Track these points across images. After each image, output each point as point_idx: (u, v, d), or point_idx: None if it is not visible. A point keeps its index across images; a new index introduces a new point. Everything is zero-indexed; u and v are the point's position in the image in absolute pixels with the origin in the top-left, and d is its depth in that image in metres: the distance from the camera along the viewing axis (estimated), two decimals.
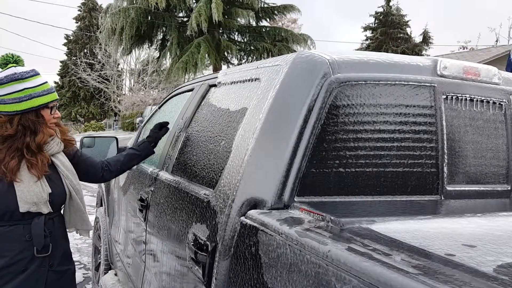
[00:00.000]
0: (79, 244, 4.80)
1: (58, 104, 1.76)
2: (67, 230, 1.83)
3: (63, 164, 1.74)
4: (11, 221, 1.60)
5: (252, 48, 16.04)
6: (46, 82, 1.70)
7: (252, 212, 1.15)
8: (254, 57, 16.00)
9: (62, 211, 1.80)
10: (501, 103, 1.49)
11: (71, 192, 1.74)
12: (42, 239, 1.63)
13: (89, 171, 1.91)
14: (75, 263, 1.96)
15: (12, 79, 1.62)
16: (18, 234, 1.61)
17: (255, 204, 1.20)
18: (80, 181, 1.87)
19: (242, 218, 1.17)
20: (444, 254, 0.77)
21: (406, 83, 1.34)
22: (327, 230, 0.93)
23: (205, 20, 13.49)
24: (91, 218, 4.23)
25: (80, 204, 1.78)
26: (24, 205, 1.58)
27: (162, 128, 2.12)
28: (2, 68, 1.67)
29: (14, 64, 1.66)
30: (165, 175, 1.90)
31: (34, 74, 1.66)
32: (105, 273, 3.09)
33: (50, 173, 1.68)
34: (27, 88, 1.62)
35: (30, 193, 1.59)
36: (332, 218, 0.96)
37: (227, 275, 1.16)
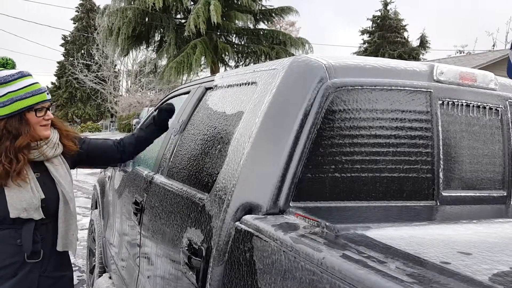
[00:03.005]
0: None
1: (50, 105, 1.70)
2: (63, 248, 1.74)
3: (57, 170, 1.69)
4: (3, 225, 1.59)
5: (249, 50, 16.05)
6: (35, 83, 1.64)
7: (247, 217, 1.14)
8: (252, 60, 16.01)
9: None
10: (498, 108, 1.49)
11: (64, 198, 1.69)
12: (31, 245, 1.60)
13: (106, 154, 1.89)
14: None
15: None
16: (10, 238, 1.59)
17: (250, 209, 1.19)
18: (98, 167, 1.90)
19: (237, 223, 1.16)
20: (439, 262, 0.77)
21: (402, 88, 1.34)
22: (322, 237, 0.93)
23: (203, 22, 13.48)
24: (86, 220, 4.21)
25: (73, 211, 1.72)
26: (13, 211, 1.56)
27: (168, 112, 1.97)
28: None
29: (1, 68, 1.63)
30: (160, 179, 1.89)
31: (19, 76, 1.62)
32: (99, 276, 3.07)
33: (45, 178, 1.65)
34: (9, 92, 1.58)
35: (20, 198, 1.56)
36: (327, 224, 0.95)
37: (221, 281, 1.15)
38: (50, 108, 1.71)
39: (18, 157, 1.59)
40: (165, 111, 1.96)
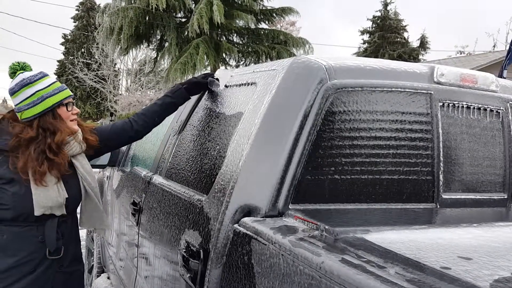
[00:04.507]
0: None
1: (74, 100, 1.76)
2: (82, 228, 1.82)
3: (83, 166, 1.72)
4: (25, 222, 1.61)
5: (250, 50, 16.03)
6: (56, 81, 1.72)
7: (246, 220, 1.13)
8: (253, 59, 16.00)
9: (78, 210, 1.79)
10: (499, 110, 1.48)
11: (89, 193, 1.73)
12: (55, 241, 1.63)
13: (118, 138, 1.88)
14: None
15: (22, 85, 1.64)
16: (31, 235, 1.62)
17: (249, 211, 1.18)
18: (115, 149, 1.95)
19: (236, 225, 1.15)
20: (440, 267, 0.76)
21: (402, 90, 1.33)
22: (321, 240, 0.92)
23: (207, 21, 13.48)
24: None
25: (98, 204, 1.78)
26: (39, 209, 1.58)
27: (203, 77, 1.86)
28: (12, 78, 1.69)
29: (21, 71, 1.69)
30: (158, 179, 1.88)
31: (42, 76, 1.68)
32: (97, 276, 3.07)
33: (67, 176, 1.67)
34: (38, 91, 1.63)
35: (47, 197, 1.59)
36: (326, 227, 0.94)
37: (219, 283, 1.14)
38: (74, 103, 1.76)
39: (63, 151, 1.64)
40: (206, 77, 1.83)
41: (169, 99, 1.86)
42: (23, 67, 1.70)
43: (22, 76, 1.66)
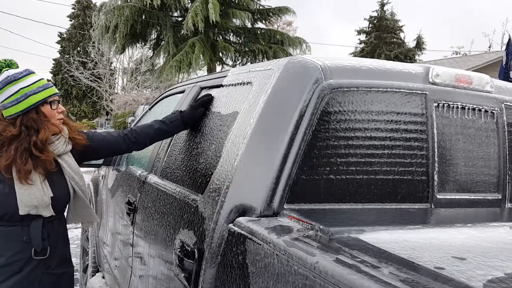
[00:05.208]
0: None
1: (60, 98, 1.75)
2: (71, 223, 1.82)
3: (69, 165, 1.71)
4: (10, 221, 1.60)
5: (247, 49, 16.04)
6: (42, 79, 1.70)
7: (241, 220, 1.13)
8: (249, 59, 16.00)
9: (65, 212, 1.79)
10: (493, 111, 1.48)
11: (77, 192, 1.72)
12: (40, 242, 1.62)
13: (113, 146, 1.86)
14: None
15: (6, 82, 1.63)
16: (17, 235, 1.61)
17: (244, 211, 1.17)
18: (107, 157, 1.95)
19: (230, 225, 1.15)
20: (434, 267, 0.76)
21: (397, 90, 1.33)
22: (316, 240, 0.92)
23: (202, 20, 13.46)
24: None
25: (86, 201, 1.78)
26: (24, 208, 1.57)
27: (200, 106, 1.73)
28: None
29: (7, 68, 1.68)
30: (153, 179, 1.87)
31: (27, 73, 1.67)
32: (92, 276, 3.05)
33: (53, 176, 1.66)
34: (22, 88, 1.63)
35: (31, 196, 1.58)
36: (321, 227, 0.94)
37: (213, 283, 1.14)
38: (60, 102, 1.75)
39: (47, 149, 1.63)
40: (200, 106, 1.74)
41: (165, 126, 1.81)
42: (9, 64, 1.69)
43: (7, 73, 1.65)
